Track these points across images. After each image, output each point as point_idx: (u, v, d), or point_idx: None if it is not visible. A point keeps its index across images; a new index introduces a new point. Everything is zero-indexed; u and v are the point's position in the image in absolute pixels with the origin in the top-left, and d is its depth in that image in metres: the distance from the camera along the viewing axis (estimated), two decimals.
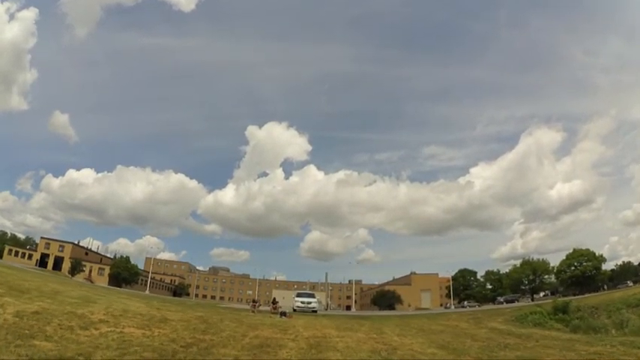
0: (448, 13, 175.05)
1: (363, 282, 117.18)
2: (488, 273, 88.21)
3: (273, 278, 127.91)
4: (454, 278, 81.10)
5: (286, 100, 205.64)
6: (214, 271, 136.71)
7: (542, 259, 71.00)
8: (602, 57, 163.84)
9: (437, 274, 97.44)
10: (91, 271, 72.30)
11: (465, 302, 71.74)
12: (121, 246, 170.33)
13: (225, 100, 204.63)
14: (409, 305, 79.94)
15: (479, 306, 58.52)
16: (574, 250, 66.67)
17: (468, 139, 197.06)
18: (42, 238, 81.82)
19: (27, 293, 14.73)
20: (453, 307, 64.75)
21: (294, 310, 25.07)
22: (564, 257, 67.21)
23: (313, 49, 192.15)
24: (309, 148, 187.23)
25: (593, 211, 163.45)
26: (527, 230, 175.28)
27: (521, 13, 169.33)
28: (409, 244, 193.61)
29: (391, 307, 72.73)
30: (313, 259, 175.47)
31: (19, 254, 74.54)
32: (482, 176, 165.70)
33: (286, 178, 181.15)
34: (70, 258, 71.51)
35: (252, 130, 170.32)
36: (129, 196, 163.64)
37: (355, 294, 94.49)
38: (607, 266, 69.47)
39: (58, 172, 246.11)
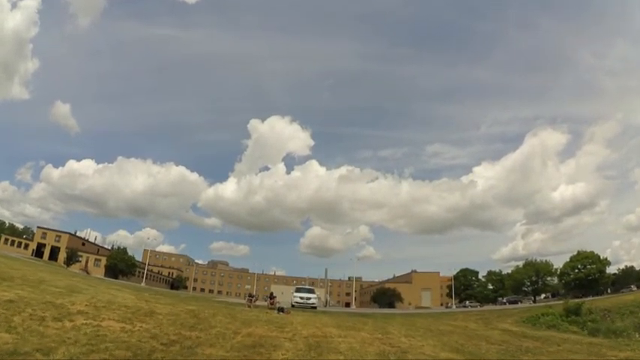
0: (455, 13, 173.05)
1: (363, 279, 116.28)
2: (490, 273, 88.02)
3: (272, 273, 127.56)
4: (455, 278, 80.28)
5: (290, 94, 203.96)
6: (213, 264, 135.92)
7: (546, 261, 70.42)
8: (609, 60, 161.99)
9: (438, 272, 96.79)
10: (87, 261, 71.36)
11: (467, 302, 70.90)
12: (121, 238, 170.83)
13: (228, 92, 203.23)
14: (409, 304, 79.06)
15: (480, 306, 57.79)
16: (578, 252, 65.80)
17: (472, 139, 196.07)
18: (38, 227, 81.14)
19: (8, 281, 13.90)
20: (454, 306, 63.94)
21: (293, 306, 24.20)
22: (568, 259, 66.54)
23: (319, 44, 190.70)
24: (312, 143, 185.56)
25: (596, 215, 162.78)
26: (528, 232, 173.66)
27: (529, 14, 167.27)
28: (410, 242, 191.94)
29: (391, 305, 71.96)
30: (313, 255, 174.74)
31: (15, 243, 73.71)
32: (486, 176, 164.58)
33: (288, 172, 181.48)
34: (66, 248, 70.54)
35: (254, 124, 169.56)
36: (129, 188, 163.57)
37: (355, 291, 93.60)
38: (610, 270, 68.69)
39: (59, 162, 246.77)
